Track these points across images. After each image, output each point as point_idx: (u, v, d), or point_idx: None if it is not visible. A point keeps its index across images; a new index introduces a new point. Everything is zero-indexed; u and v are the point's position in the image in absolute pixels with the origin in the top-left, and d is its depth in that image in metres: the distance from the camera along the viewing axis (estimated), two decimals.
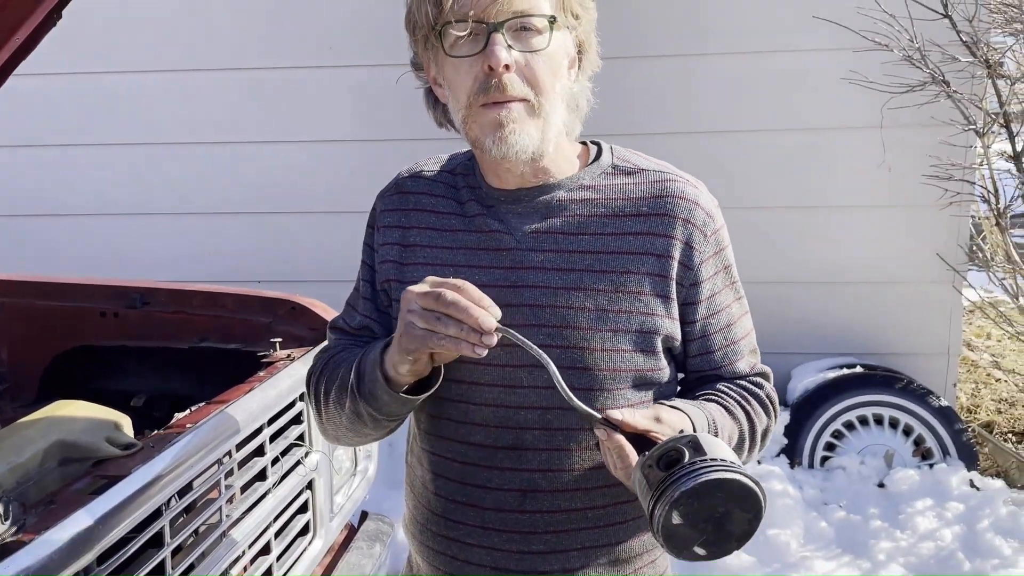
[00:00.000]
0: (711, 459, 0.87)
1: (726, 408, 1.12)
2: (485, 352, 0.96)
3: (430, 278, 1.00)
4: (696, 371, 1.18)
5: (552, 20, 1.05)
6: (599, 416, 0.98)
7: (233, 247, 3.94)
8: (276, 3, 3.80)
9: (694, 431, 1.01)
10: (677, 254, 1.11)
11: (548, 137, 1.08)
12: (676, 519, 0.87)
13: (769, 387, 1.19)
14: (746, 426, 1.13)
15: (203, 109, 3.89)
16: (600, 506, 1.12)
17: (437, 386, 1.07)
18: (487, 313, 0.96)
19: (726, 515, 0.87)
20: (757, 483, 0.88)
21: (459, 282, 0.98)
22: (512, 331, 0.99)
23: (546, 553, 1.11)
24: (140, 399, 2.11)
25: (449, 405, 1.13)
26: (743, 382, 1.18)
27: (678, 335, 1.13)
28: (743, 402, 1.15)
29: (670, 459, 0.90)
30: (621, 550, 1.15)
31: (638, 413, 0.98)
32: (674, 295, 1.11)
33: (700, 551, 0.89)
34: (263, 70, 3.84)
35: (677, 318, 1.12)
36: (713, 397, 1.14)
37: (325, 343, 1.28)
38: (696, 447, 0.89)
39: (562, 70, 1.08)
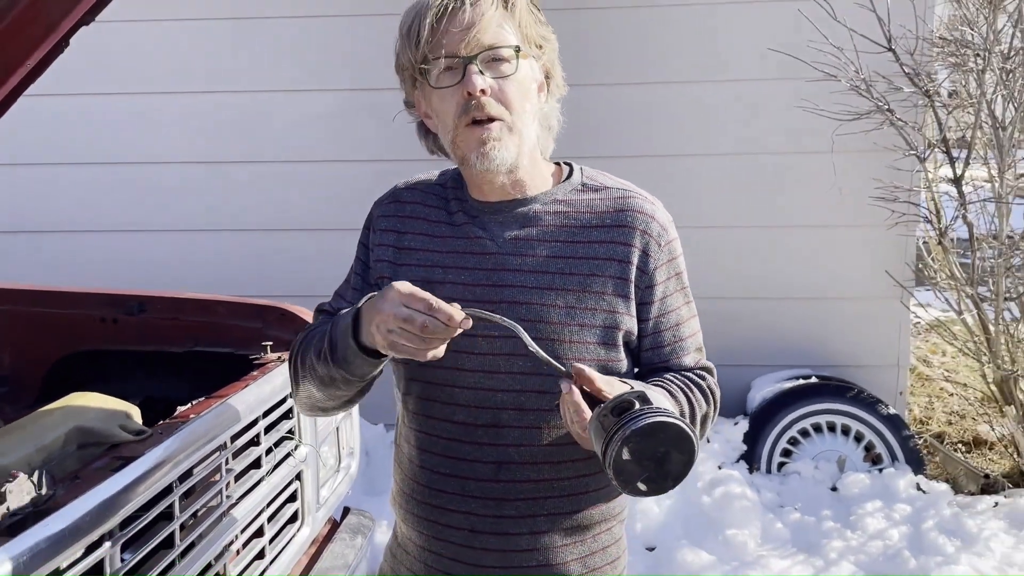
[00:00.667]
0: (657, 407, 1.04)
1: (669, 392, 1.28)
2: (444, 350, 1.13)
3: (399, 290, 1.11)
4: (648, 363, 1.34)
5: (517, 49, 1.23)
6: (563, 369, 1.14)
7: (214, 264, 4.07)
8: (259, 31, 3.96)
9: None
10: (635, 260, 1.28)
11: (523, 151, 1.26)
12: (626, 455, 1.02)
13: (712, 380, 1.36)
14: (687, 409, 1.28)
15: (186, 130, 4.04)
16: (565, 478, 1.28)
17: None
18: (457, 324, 1.09)
19: (666, 455, 1.03)
20: (693, 431, 1.04)
21: (428, 297, 1.10)
22: (480, 311, 1.14)
23: (517, 518, 1.27)
24: (135, 401, 2.23)
25: (436, 388, 1.29)
26: (688, 373, 1.34)
27: (635, 331, 1.30)
28: (685, 389, 1.30)
29: (621, 408, 1.05)
30: (582, 517, 1.31)
31: (595, 374, 1.14)
32: (632, 296, 1.28)
33: (643, 487, 1.04)
34: (248, 93, 4.00)
35: (635, 316, 1.29)
36: (659, 383, 1.30)
37: None
38: (644, 399, 1.06)
39: (531, 93, 1.27)
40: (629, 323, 1.28)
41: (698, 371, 1.35)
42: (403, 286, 1.12)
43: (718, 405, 1.36)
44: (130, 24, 3.79)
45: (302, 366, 1.31)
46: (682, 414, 1.28)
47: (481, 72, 1.21)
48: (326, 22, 3.95)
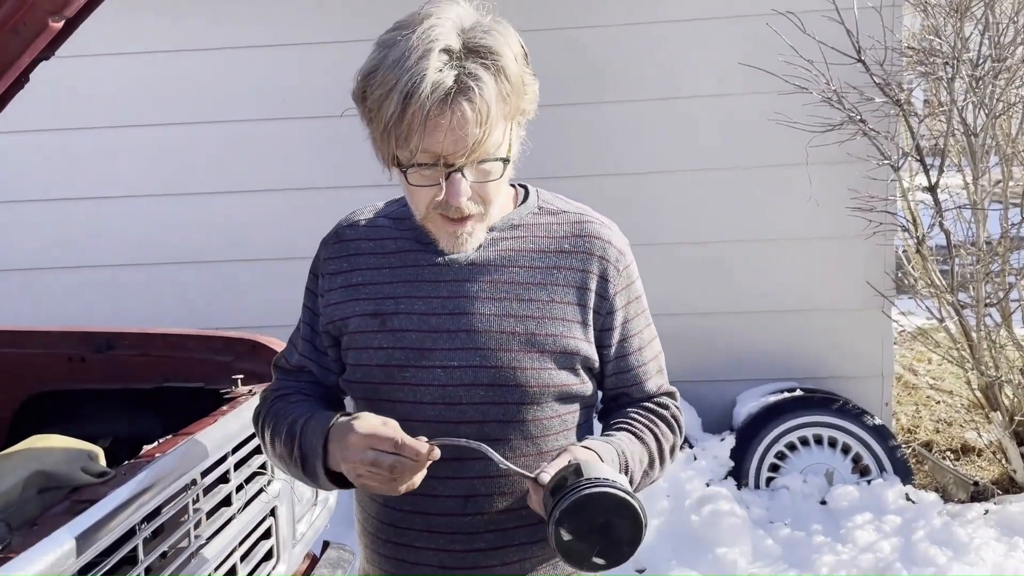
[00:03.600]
0: (586, 479, 1.00)
1: (635, 434, 1.27)
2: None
3: (361, 433, 1.10)
4: (612, 388, 1.33)
5: (506, 161, 1.17)
6: (531, 476, 1.11)
7: (186, 297, 4.03)
8: (231, 61, 3.95)
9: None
10: (594, 286, 1.26)
11: (500, 204, 1.24)
12: (565, 535, 1.00)
13: (674, 407, 1.34)
14: (654, 447, 1.28)
15: (150, 163, 4.01)
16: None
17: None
18: (426, 459, 1.09)
19: (608, 525, 1.00)
20: (628, 492, 1.00)
21: (393, 435, 1.09)
22: (448, 440, 1.12)
23: (487, 550, 1.24)
24: (106, 440, 2.19)
25: None
26: (651, 404, 1.32)
27: (594, 356, 1.27)
28: (651, 425, 1.29)
29: (558, 486, 1.03)
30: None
31: (556, 465, 1.11)
32: (591, 322, 1.26)
33: (599, 560, 1.01)
34: (209, 124, 3.98)
35: (593, 342, 1.26)
36: (624, 425, 1.28)
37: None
38: (577, 471, 1.03)
39: (507, 178, 1.22)
40: (587, 349, 1.26)
41: (661, 398, 1.35)
42: (364, 426, 1.11)
43: (683, 429, 1.36)
44: (84, 59, 3.76)
45: (271, 446, 1.31)
46: (651, 454, 1.28)
47: (465, 177, 1.14)
48: (298, 49, 3.94)
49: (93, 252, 4.05)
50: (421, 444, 1.09)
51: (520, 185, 1.35)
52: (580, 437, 1.29)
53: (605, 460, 1.16)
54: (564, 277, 1.26)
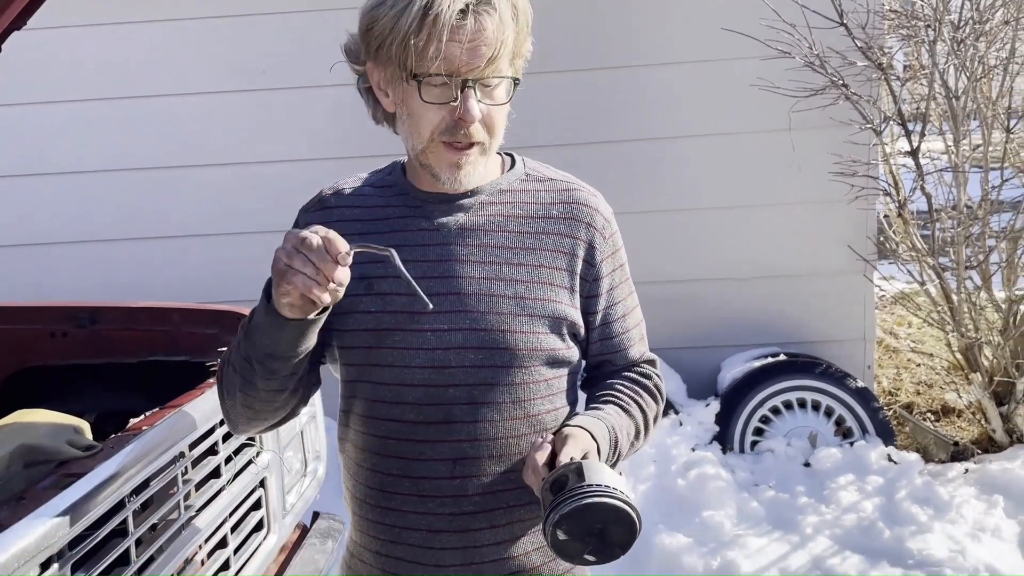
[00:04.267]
0: (587, 485, 1.03)
1: (622, 408, 1.29)
2: (328, 298, 1.08)
3: (302, 224, 1.08)
4: (596, 354, 1.34)
5: (516, 82, 1.19)
6: (426, 299, 1.10)
7: (172, 271, 4.00)
8: (213, 30, 3.89)
9: (597, 447, 1.17)
10: (582, 253, 1.27)
11: (488, 166, 1.25)
12: (561, 536, 1.03)
13: (656, 375, 1.37)
14: (640, 418, 1.30)
15: (138, 136, 3.95)
16: (521, 470, 1.24)
17: (323, 320, 1.15)
18: (336, 265, 1.06)
19: (604, 530, 1.04)
20: (627, 503, 1.04)
21: (328, 233, 1.07)
22: (362, 245, 1.09)
23: (475, 513, 1.24)
24: (91, 416, 2.18)
25: (384, 389, 1.24)
26: (634, 375, 1.35)
27: (580, 323, 1.28)
28: (636, 397, 1.32)
29: (559, 484, 1.06)
30: (540, 508, 1.29)
31: (566, 452, 1.13)
32: (578, 288, 1.27)
33: (590, 558, 1.06)
34: (194, 95, 3.93)
35: (579, 308, 1.28)
36: (610, 398, 1.30)
37: None
38: (579, 473, 1.05)
39: (507, 114, 1.23)
40: (574, 315, 1.27)
41: (644, 366, 1.37)
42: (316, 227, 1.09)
43: (664, 397, 1.38)
44: (67, 30, 3.70)
45: (225, 367, 1.26)
46: (637, 427, 1.30)
47: (479, 99, 1.15)
48: (279, 18, 3.88)
49: (78, 227, 4.00)
50: (344, 244, 1.06)
51: (506, 153, 1.35)
52: (565, 403, 1.30)
53: (598, 437, 1.18)
54: (552, 243, 1.26)
